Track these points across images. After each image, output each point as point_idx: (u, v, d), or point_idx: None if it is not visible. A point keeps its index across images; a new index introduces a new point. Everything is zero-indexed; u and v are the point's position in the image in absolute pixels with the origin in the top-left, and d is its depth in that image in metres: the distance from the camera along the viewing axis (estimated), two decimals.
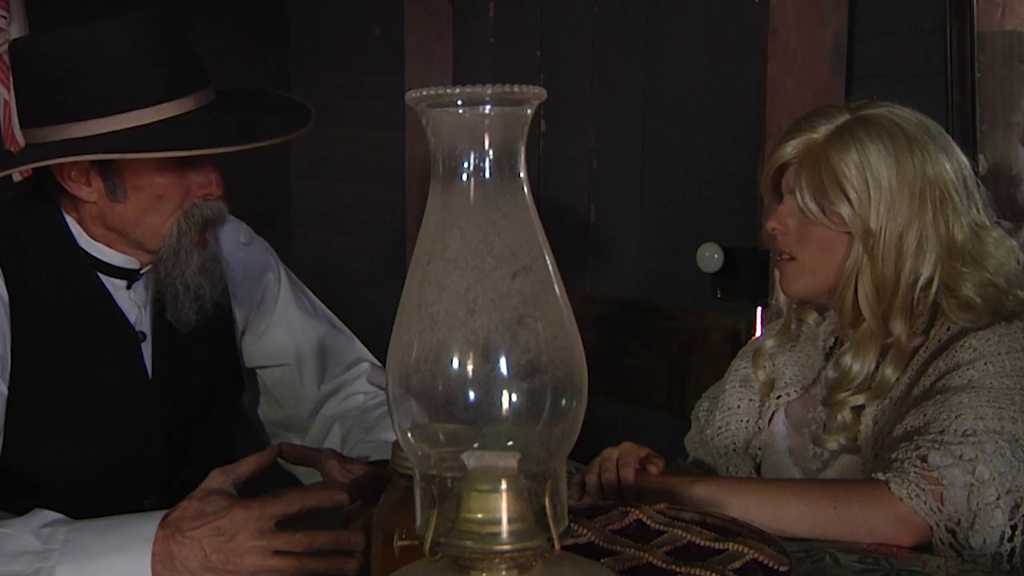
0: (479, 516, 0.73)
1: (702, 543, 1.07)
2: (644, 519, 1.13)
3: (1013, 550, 1.30)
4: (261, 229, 1.83)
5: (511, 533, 0.73)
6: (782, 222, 1.50)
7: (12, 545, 1.20)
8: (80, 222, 1.53)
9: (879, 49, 2.18)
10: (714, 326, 2.49)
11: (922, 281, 1.44)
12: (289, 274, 1.82)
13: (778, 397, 1.60)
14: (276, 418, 1.81)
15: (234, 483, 1.23)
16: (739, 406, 1.63)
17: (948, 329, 1.43)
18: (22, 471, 1.48)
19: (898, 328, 1.44)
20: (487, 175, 0.74)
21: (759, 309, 2.38)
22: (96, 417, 1.54)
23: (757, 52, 2.33)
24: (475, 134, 0.74)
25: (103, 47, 1.43)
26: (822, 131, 1.46)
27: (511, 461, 0.72)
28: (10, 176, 1.62)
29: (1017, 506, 1.29)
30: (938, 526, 1.27)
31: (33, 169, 1.51)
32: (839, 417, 1.47)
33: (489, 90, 0.72)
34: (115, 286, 1.56)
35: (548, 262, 0.75)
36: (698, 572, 1.01)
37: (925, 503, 1.27)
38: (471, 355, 0.72)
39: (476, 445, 0.72)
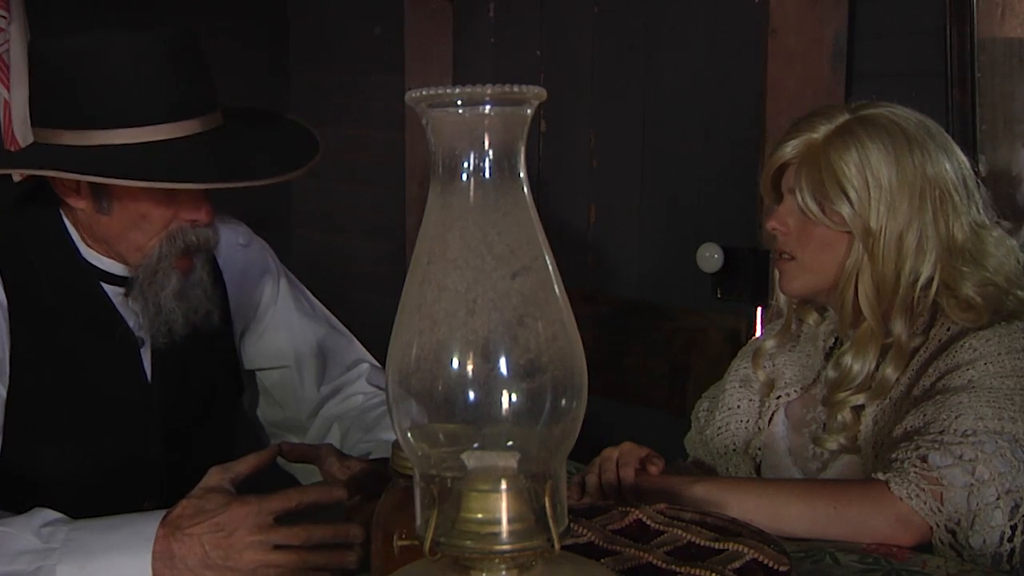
0: (479, 516, 0.73)
1: (702, 543, 1.07)
2: (644, 519, 1.13)
3: (1013, 550, 1.30)
4: (261, 229, 1.83)
5: (511, 533, 0.73)
6: (782, 222, 1.50)
7: (13, 544, 1.20)
8: (76, 227, 1.53)
9: (879, 49, 2.17)
10: (714, 326, 2.48)
11: (922, 281, 1.44)
12: (288, 275, 1.82)
13: (778, 397, 1.60)
14: (276, 419, 1.81)
15: (232, 481, 1.23)
16: (739, 406, 1.63)
17: (948, 329, 1.43)
18: (23, 473, 1.48)
19: (898, 328, 1.44)
20: (487, 175, 0.74)
21: (759, 309, 2.38)
22: (96, 421, 1.54)
23: (757, 52, 2.33)
24: (475, 134, 0.73)
25: (110, 60, 1.41)
26: (822, 131, 1.46)
27: (511, 461, 0.72)
28: (10, 176, 1.61)
29: (1017, 506, 1.29)
30: (938, 526, 1.27)
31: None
32: (839, 417, 1.47)
33: (489, 90, 0.72)
34: (114, 292, 1.56)
35: (548, 262, 0.74)
36: (698, 572, 1.01)
37: (925, 503, 1.27)
38: (471, 355, 0.72)
39: (476, 445, 0.72)
